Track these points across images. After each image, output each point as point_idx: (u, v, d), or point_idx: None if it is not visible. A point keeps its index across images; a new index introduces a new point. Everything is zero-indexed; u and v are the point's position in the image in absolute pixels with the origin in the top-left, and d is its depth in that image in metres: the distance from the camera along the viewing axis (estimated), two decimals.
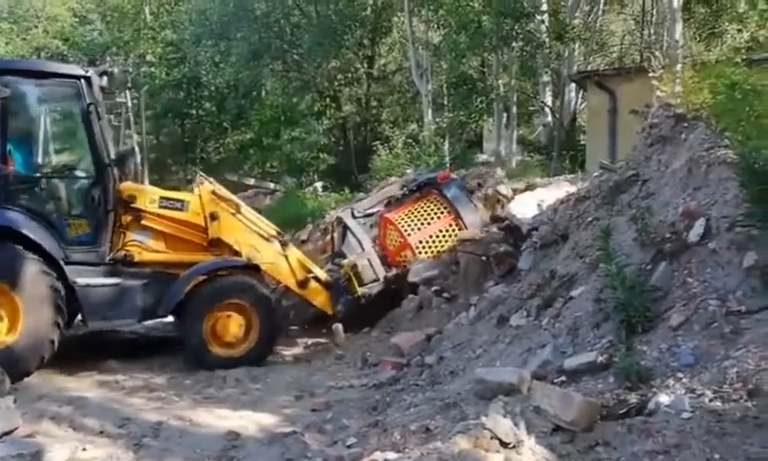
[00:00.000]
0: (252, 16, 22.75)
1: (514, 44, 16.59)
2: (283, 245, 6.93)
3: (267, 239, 6.88)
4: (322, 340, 7.67)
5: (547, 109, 18.56)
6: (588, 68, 16.84)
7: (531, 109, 20.83)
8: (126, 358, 7.09)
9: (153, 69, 34.02)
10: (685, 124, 5.80)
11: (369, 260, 6.87)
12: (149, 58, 35.41)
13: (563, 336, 4.91)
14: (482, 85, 19.07)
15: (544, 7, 17.13)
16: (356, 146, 22.58)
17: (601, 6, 18.45)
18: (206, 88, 29.12)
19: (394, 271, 6.97)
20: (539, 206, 8.00)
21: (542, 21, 16.90)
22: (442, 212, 6.54)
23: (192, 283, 6.44)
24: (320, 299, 7.06)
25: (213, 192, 6.76)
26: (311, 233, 11.43)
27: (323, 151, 22.15)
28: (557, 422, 3.41)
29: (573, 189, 8.04)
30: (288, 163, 21.98)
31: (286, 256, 6.90)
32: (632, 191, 5.88)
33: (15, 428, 4.81)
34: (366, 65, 23.52)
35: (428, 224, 6.43)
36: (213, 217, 6.58)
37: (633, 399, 3.55)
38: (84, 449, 4.60)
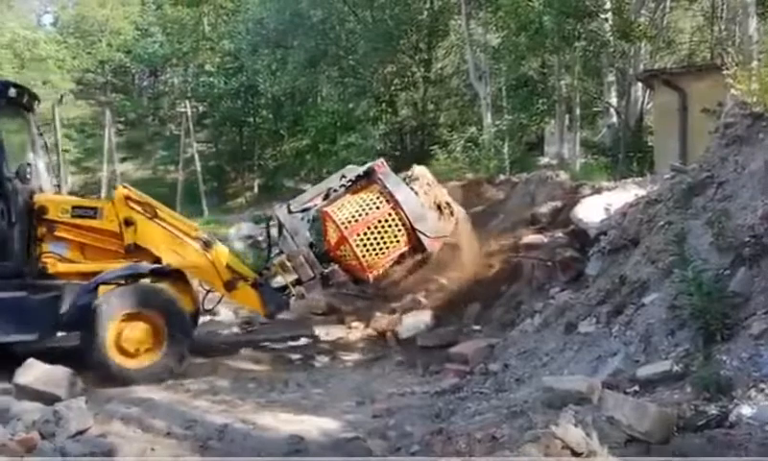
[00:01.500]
0: (309, 24, 23.19)
1: (576, 44, 16.30)
2: (207, 245, 6.74)
3: (188, 241, 6.70)
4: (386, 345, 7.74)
5: (612, 110, 18.12)
6: (656, 67, 16.35)
7: (595, 110, 20.39)
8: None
9: (211, 79, 35.20)
10: (764, 123, 5.56)
11: (303, 257, 6.54)
12: (207, 67, 36.70)
13: (634, 344, 4.79)
14: (543, 87, 18.80)
15: (608, 5, 16.77)
16: (413, 150, 22.64)
17: (668, 3, 17.92)
18: (263, 96, 29.87)
19: (331, 267, 6.71)
20: (606, 209, 7.83)
21: (606, 19, 16.55)
22: (381, 202, 6.10)
23: (91, 294, 6.30)
24: (249, 300, 6.88)
25: (127, 197, 6.60)
26: None
27: (379, 156, 22.34)
28: (631, 432, 3.34)
29: (642, 192, 7.81)
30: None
31: (210, 258, 6.71)
32: (707, 194, 5.68)
33: (88, 428, 5.04)
34: (422, 69, 23.59)
35: (366, 214, 6.05)
36: (128, 223, 6.47)
37: (712, 410, 3.43)
38: (153, 450, 4.76)
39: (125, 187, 6.79)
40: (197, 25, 36.63)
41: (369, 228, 6.05)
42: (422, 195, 6.23)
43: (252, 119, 32.65)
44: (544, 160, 17.35)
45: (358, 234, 6.07)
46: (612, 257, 6.65)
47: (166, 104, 43.48)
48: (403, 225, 6.08)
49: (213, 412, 5.64)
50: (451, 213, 6.58)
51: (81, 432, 4.91)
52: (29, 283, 6.45)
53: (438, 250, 6.33)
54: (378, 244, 6.12)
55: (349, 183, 6.36)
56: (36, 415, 5.04)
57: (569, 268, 7.12)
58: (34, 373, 5.90)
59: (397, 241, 6.15)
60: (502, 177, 12.57)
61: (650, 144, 16.00)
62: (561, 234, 7.60)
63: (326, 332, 8.80)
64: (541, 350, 5.76)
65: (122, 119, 46.38)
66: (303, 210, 6.61)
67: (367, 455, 4.45)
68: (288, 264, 6.59)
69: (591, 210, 7.93)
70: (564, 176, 10.45)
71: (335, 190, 6.38)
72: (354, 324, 8.94)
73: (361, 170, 6.40)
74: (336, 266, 6.56)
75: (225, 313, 10.10)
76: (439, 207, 6.38)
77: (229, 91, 32.22)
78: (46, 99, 37.52)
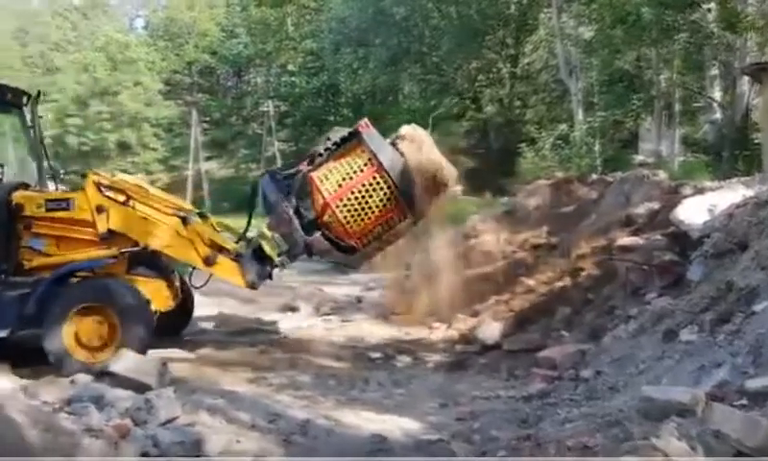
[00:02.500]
0: (391, 21, 23.38)
1: (676, 37, 15.57)
2: (185, 221, 6.57)
3: (165, 221, 6.57)
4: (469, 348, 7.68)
5: (716, 106, 17.18)
6: (764, 59, 15.35)
7: (695, 105, 19.40)
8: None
9: (293, 78, 36.13)
10: None
11: (284, 226, 6.29)
12: (290, 67, 37.73)
13: (742, 355, 4.51)
14: (639, 82, 18.09)
15: None
16: (498, 148, 22.35)
17: None
18: (344, 95, 30.34)
19: (317, 234, 6.25)
20: (709, 211, 7.42)
21: (709, 10, 15.72)
22: (365, 165, 5.78)
23: (44, 291, 6.31)
24: (229, 273, 6.70)
25: (98, 184, 6.53)
26: (452, 239, 11.41)
27: (462, 154, 22.20)
28: (740, 447, 3.16)
29: (750, 193, 7.37)
30: None
31: (188, 235, 6.56)
32: None
33: (176, 417, 5.28)
34: (509, 65, 23.27)
35: (350, 179, 5.73)
36: (100, 210, 6.43)
37: None
38: (239, 442, 4.93)
39: (95, 173, 6.82)
40: (280, 25, 37.68)
41: (352, 192, 5.79)
42: (411, 157, 5.89)
43: (332, 118, 33.27)
44: (639, 159, 16.65)
45: (341, 200, 5.83)
46: (716, 262, 6.30)
47: (249, 103, 45.00)
48: (389, 188, 5.79)
49: (295, 407, 5.77)
50: (443, 177, 6.26)
51: (170, 421, 5.16)
52: (5, 280, 6.58)
53: (425, 214, 6.01)
54: (363, 209, 5.85)
55: (334, 147, 6.09)
56: (129, 402, 5.35)
57: (668, 272, 6.79)
58: (125, 362, 6.23)
59: (383, 206, 5.87)
60: (594, 176, 12.17)
61: (757, 141, 15.05)
62: (659, 237, 7.27)
63: (407, 333, 8.81)
64: (637, 357, 5.53)
65: (207, 119, 48.45)
66: (289, 176, 6.36)
67: (450, 458, 4.43)
68: (269, 233, 6.51)
69: (694, 212, 7.54)
70: (662, 175, 9.99)
71: (320, 154, 6.10)
72: (436, 324, 8.91)
73: (346, 131, 6.12)
74: (319, 234, 6.20)
75: (305, 309, 10.41)
76: (430, 170, 6.03)
77: (311, 90, 32.94)
78: (137, 100, 39.70)
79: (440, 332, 8.69)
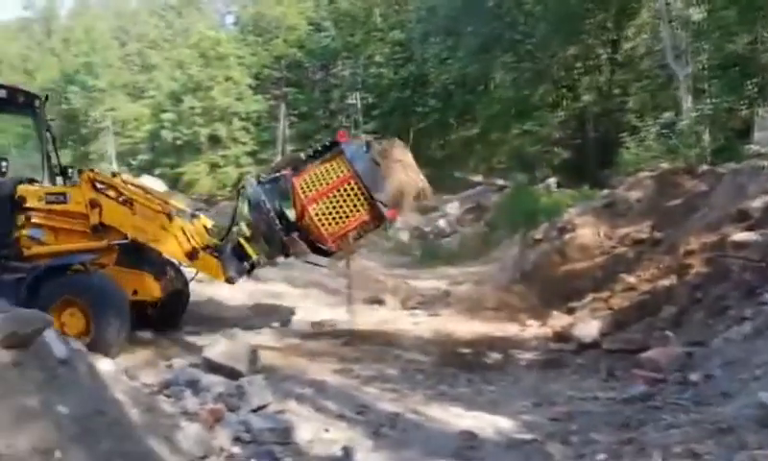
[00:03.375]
0: (483, 8, 23.05)
1: None
2: (170, 218, 6.98)
3: (152, 217, 6.95)
4: (564, 346, 7.49)
5: None
6: None
7: None
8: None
9: (381, 70, 36.41)
10: None
11: (263, 225, 6.64)
12: (377, 59, 38.07)
13: None
14: (754, 66, 16.95)
15: None
16: (596, 138, 21.57)
17: None
18: (432, 85, 30.25)
19: (294, 235, 6.61)
20: None
21: None
22: (342, 171, 6.15)
23: (31, 282, 6.62)
24: (209, 268, 7.02)
25: (92, 180, 7.02)
26: (547, 232, 11.16)
27: (556, 144, 21.63)
28: None
29: None
30: (517, 158, 21.89)
31: (172, 231, 6.94)
32: None
33: (267, 404, 5.45)
34: (609, 50, 22.39)
35: (327, 184, 6.11)
36: (93, 204, 6.89)
37: None
38: (327, 431, 5.03)
39: (91, 171, 7.31)
40: (368, 17, 38.08)
41: (327, 196, 6.17)
42: (385, 166, 6.19)
43: (420, 109, 33.28)
44: (754, 149, 15.60)
45: (317, 203, 6.20)
46: None
47: (336, 96, 45.75)
48: (362, 194, 6.13)
49: (384, 400, 5.83)
50: (418, 187, 6.54)
51: (261, 407, 5.34)
52: (6, 265, 7.05)
53: (395, 219, 6.37)
54: (338, 212, 6.22)
55: (315, 154, 6.45)
56: (222, 388, 5.58)
57: None
58: (219, 348, 6.50)
59: (357, 210, 6.21)
60: (704, 167, 11.51)
61: None
62: None
63: (498, 329, 8.69)
64: (753, 361, 5.18)
65: (295, 112, 49.65)
66: (272, 180, 6.68)
67: (546, 459, 4.32)
68: (246, 231, 6.83)
69: None
70: None
71: (303, 161, 6.49)
72: (529, 321, 8.74)
73: (327, 141, 6.53)
74: (295, 235, 6.57)
75: (391, 302, 10.47)
76: (403, 179, 6.30)
77: (398, 81, 33.06)
78: (228, 95, 41.17)
79: (532, 329, 8.52)
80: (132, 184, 7.65)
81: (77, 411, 3.47)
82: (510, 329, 8.63)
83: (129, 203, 7.03)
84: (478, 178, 22.22)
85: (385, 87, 34.43)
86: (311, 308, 10.17)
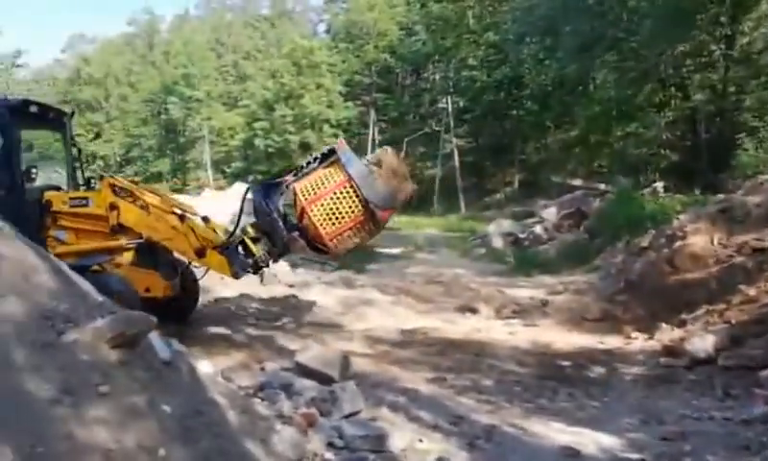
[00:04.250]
0: (583, 6, 22.39)
1: None
2: (181, 219, 7.47)
3: (165, 217, 7.44)
4: (675, 361, 7.13)
5: None
6: None
7: None
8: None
9: (473, 72, 36.17)
10: None
11: (266, 226, 7.16)
12: (470, 61, 37.87)
13: None
14: None
15: None
16: (708, 140, 20.39)
17: None
18: (528, 87, 29.73)
19: (291, 235, 7.14)
20: None
21: None
22: (338, 176, 6.70)
23: None
24: (217, 264, 7.43)
25: (112, 185, 7.63)
26: (654, 239, 10.66)
27: (663, 147, 20.66)
28: None
29: None
30: (620, 162, 21.07)
31: (183, 230, 7.39)
32: None
33: (359, 411, 5.49)
34: (723, 46, 21.14)
35: (325, 188, 6.67)
36: (112, 207, 7.45)
37: None
38: (421, 441, 5.01)
39: (111, 177, 8.03)
40: (461, 19, 37.97)
41: (325, 199, 6.71)
42: (377, 171, 6.77)
43: (514, 112, 32.80)
44: None
45: (316, 205, 6.72)
46: None
47: (427, 100, 45.87)
48: (357, 197, 6.62)
49: (479, 411, 5.75)
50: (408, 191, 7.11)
51: (353, 414, 5.39)
52: None
53: (386, 220, 6.87)
54: (335, 214, 6.73)
55: (315, 161, 6.99)
56: (314, 392, 5.67)
57: None
58: (311, 353, 6.63)
59: (353, 212, 6.71)
60: None
61: None
62: None
63: (600, 341, 8.38)
64: None
65: (384, 117, 50.24)
66: (275, 185, 7.27)
67: None
68: (251, 231, 7.33)
69: None
70: None
71: (303, 167, 7.01)
72: (634, 334, 8.38)
73: (325, 149, 7.05)
74: (296, 234, 7.13)
75: (485, 310, 10.32)
76: (394, 182, 6.87)
77: (492, 84, 32.73)
78: (318, 102, 42.33)
79: (639, 342, 8.16)
80: (148, 190, 8.39)
81: (179, 411, 3.61)
82: (613, 342, 8.31)
83: (144, 205, 7.70)
84: (577, 182, 21.53)
85: (478, 90, 34.14)
86: (402, 316, 10.21)
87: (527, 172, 32.15)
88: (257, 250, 7.34)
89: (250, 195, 7.50)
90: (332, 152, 6.94)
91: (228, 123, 52.93)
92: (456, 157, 36.14)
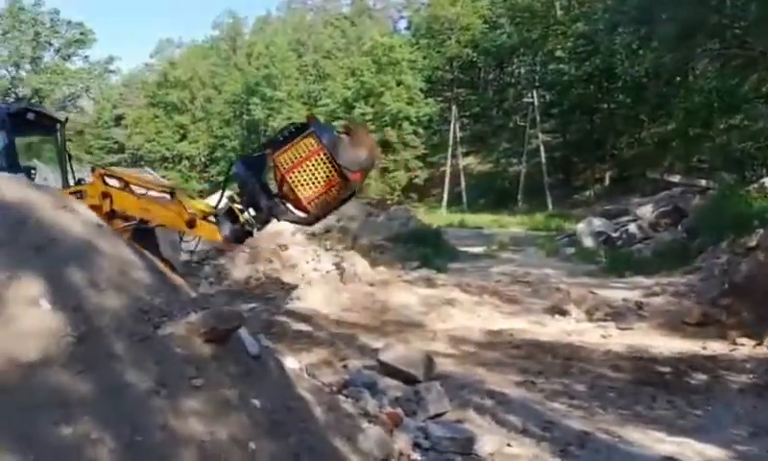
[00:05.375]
0: None
1: None
2: (172, 195, 7.88)
3: (156, 198, 7.80)
4: None
5: None
6: None
7: None
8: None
9: (561, 65, 35.39)
10: None
11: (248, 194, 7.54)
12: (557, 54, 37.08)
13: None
14: None
15: None
16: None
17: None
18: (620, 79, 28.77)
19: (276, 200, 7.55)
20: None
21: None
22: (312, 145, 7.12)
23: None
24: (207, 231, 7.87)
25: (102, 175, 7.98)
26: (763, 239, 10.05)
27: None
28: None
29: None
30: (723, 156, 20.03)
31: (174, 207, 7.74)
32: None
33: (445, 412, 5.47)
34: None
35: (301, 156, 7.12)
36: (105, 195, 7.82)
37: None
38: (510, 445, 4.95)
39: (101, 168, 8.40)
40: (548, 10, 37.26)
41: (302, 166, 7.21)
42: (346, 138, 7.19)
43: (605, 105, 31.84)
44: None
45: (294, 172, 7.19)
46: None
47: (511, 95, 45.23)
48: (329, 162, 7.09)
49: (571, 417, 5.64)
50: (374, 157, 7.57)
51: (439, 415, 5.38)
52: None
53: (358, 181, 7.35)
54: (312, 179, 7.23)
55: (290, 135, 7.37)
56: (399, 392, 5.69)
57: None
58: (394, 352, 6.64)
59: (327, 176, 7.19)
60: None
61: None
62: None
63: (703, 346, 8.01)
64: None
65: (467, 113, 49.89)
66: (256, 159, 7.80)
67: None
68: (237, 199, 7.76)
69: None
70: None
71: (281, 141, 7.42)
72: (740, 339, 7.96)
73: (299, 123, 7.49)
74: (277, 200, 7.58)
75: (575, 312, 10.05)
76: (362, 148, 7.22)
77: (581, 77, 31.93)
78: (399, 99, 42.61)
79: (745, 349, 7.75)
80: (137, 177, 9.09)
81: (268, 405, 3.71)
82: (717, 348, 7.92)
83: (135, 190, 8.28)
84: (675, 178, 20.63)
85: (566, 84, 33.37)
86: (486, 316, 10.11)
87: (619, 168, 31.14)
88: (243, 217, 7.83)
89: (234, 169, 8.06)
90: (306, 125, 7.43)
91: None
92: (542, 153, 35.47)
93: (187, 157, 58.11)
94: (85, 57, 55.48)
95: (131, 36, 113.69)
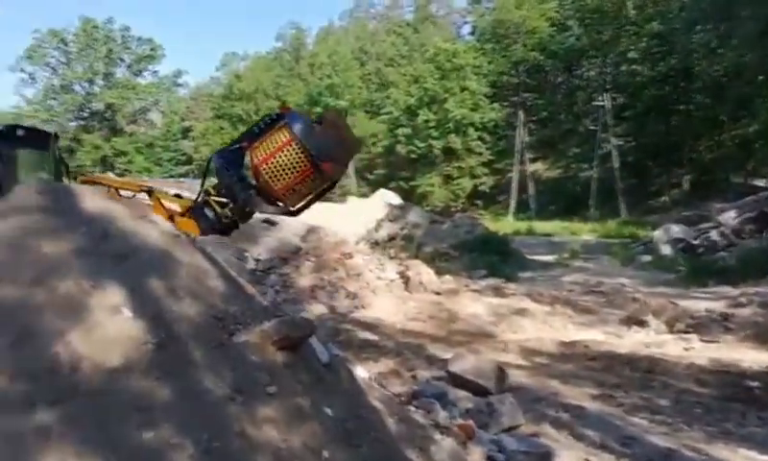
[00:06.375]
0: None
1: None
2: (149, 194, 8.03)
3: (137, 197, 7.96)
4: None
5: None
6: None
7: None
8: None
9: (634, 66, 34.56)
10: None
11: (224, 188, 7.69)
12: (630, 55, 36.22)
13: None
14: None
15: None
16: None
17: None
18: (698, 79, 27.84)
19: (251, 192, 7.71)
20: None
21: None
22: (285, 136, 7.14)
23: None
24: (186, 225, 7.90)
25: (84, 181, 8.36)
26: None
27: None
28: None
29: None
30: None
31: (153, 203, 7.86)
32: None
33: (519, 425, 5.39)
34: None
35: (274, 147, 7.17)
36: None
37: None
38: None
39: (83, 174, 8.93)
40: (619, 10, 36.47)
41: (275, 157, 7.27)
42: (319, 128, 7.22)
43: (682, 107, 30.86)
44: None
45: (268, 163, 7.27)
46: None
47: (581, 98, 44.38)
48: (302, 152, 7.11)
49: (653, 433, 5.48)
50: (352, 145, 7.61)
51: (513, 428, 5.29)
52: None
53: (333, 174, 7.31)
54: (285, 170, 7.30)
55: (265, 126, 7.47)
56: (470, 404, 5.64)
57: None
58: (465, 363, 6.60)
59: (300, 166, 7.17)
60: None
61: None
62: None
63: None
64: None
65: (534, 118, 49.24)
66: (232, 152, 7.89)
67: None
68: (213, 192, 7.91)
69: None
70: None
71: (256, 134, 7.53)
72: None
73: (274, 113, 7.54)
74: (252, 192, 7.68)
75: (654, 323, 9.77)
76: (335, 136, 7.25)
77: (655, 78, 31.10)
78: (463, 105, 42.55)
79: None
80: (121, 180, 9.71)
81: (340, 414, 3.74)
82: None
83: (115, 190, 8.57)
84: (761, 182, 19.80)
85: (639, 85, 32.56)
86: (559, 327, 9.93)
87: (698, 172, 30.05)
88: (222, 210, 7.94)
89: (212, 163, 8.06)
90: (280, 116, 7.42)
91: (371, 130, 54.39)
92: (615, 158, 34.63)
93: None
94: (155, 71, 57.82)
95: (197, 50, 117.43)
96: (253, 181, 7.82)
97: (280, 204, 7.66)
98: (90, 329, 3.25)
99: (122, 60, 56.63)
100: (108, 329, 3.27)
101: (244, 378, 3.44)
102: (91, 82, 55.85)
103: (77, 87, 56.04)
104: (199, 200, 8.41)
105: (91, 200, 4.25)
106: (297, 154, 7.27)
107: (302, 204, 7.70)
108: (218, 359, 3.48)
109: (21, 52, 54.49)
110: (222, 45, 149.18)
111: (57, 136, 10.35)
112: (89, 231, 3.84)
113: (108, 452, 2.79)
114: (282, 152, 7.35)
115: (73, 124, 56.30)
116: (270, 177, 7.44)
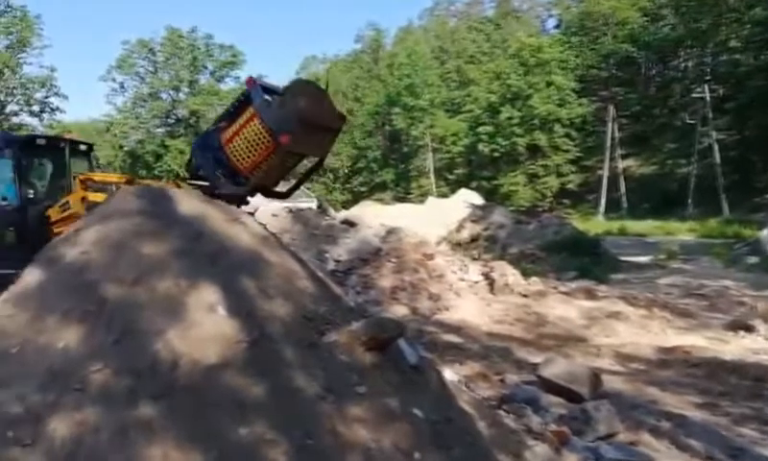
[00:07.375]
0: None
1: None
2: (130, 183, 8.19)
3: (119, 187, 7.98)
4: None
5: None
6: None
7: None
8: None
9: (736, 56, 33.11)
10: None
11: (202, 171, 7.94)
12: (731, 44, 34.69)
13: None
14: None
15: None
16: None
17: None
18: None
19: (218, 172, 7.71)
20: None
21: None
22: (249, 111, 7.32)
23: None
24: None
25: (83, 181, 8.68)
26: None
27: None
28: None
29: None
30: None
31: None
32: None
33: (616, 433, 5.27)
34: None
35: (240, 125, 7.32)
36: (83, 200, 8.44)
37: None
38: None
39: (82, 175, 9.11)
40: None
41: (238, 135, 7.42)
42: (278, 99, 7.29)
43: None
44: None
45: (233, 142, 7.40)
46: None
47: (677, 91, 42.84)
48: (263, 128, 7.20)
49: (763, 445, 5.24)
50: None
51: (609, 435, 5.18)
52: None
53: (289, 145, 7.25)
54: (249, 148, 7.37)
55: (236, 106, 7.61)
56: (563, 410, 5.57)
57: None
58: (556, 368, 6.50)
59: (263, 142, 7.34)
60: None
61: None
62: None
63: None
64: None
65: (625, 113, 47.77)
66: (206, 135, 8.10)
67: None
68: (185, 175, 8.29)
69: None
70: None
71: (231, 112, 7.68)
72: None
73: (247, 91, 7.70)
74: (219, 172, 7.74)
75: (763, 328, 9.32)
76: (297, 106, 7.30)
77: (760, 67, 29.75)
78: (548, 101, 41.76)
79: None
80: (107, 174, 10.07)
81: (430, 416, 3.77)
82: None
83: (110, 185, 8.91)
84: None
85: (742, 76, 31.17)
86: (656, 331, 9.62)
87: None
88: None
89: (192, 146, 8.54)
90: (247, 94, 7.67)
91: (451, 129, 54.17)
92: (716, 153, 33.22)
93: (331, 170, 60.36)
94: (237, 77, 59.57)
95: (278, 55, 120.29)
96: (228, 163, 7.95)
97: (245, 182, 7.72)
98: (188, 327, 3.41)
99: (205, 67, 58.71)
100: (204, 328, 3.43)
101: (334, 378, 3.53)
102: (177, 89, 58.19)
103: (163, 95, 58.59)
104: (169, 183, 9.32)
105: (186, 202, 4.45)
106: (258, 129, 7.43)
107: (270, 180, 7.89)
108: (309, 358, 3.58)
109: (112, 62, 57.48)
110: (301, 49, 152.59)
111: (91, 147, 10.96)
112: (185, 233, 4.04)
113: (207, 446, 2.93)
114: (246, 128, 7.53)
115: (160, 130, 58.79)
116: (236, 156, 7.67)
